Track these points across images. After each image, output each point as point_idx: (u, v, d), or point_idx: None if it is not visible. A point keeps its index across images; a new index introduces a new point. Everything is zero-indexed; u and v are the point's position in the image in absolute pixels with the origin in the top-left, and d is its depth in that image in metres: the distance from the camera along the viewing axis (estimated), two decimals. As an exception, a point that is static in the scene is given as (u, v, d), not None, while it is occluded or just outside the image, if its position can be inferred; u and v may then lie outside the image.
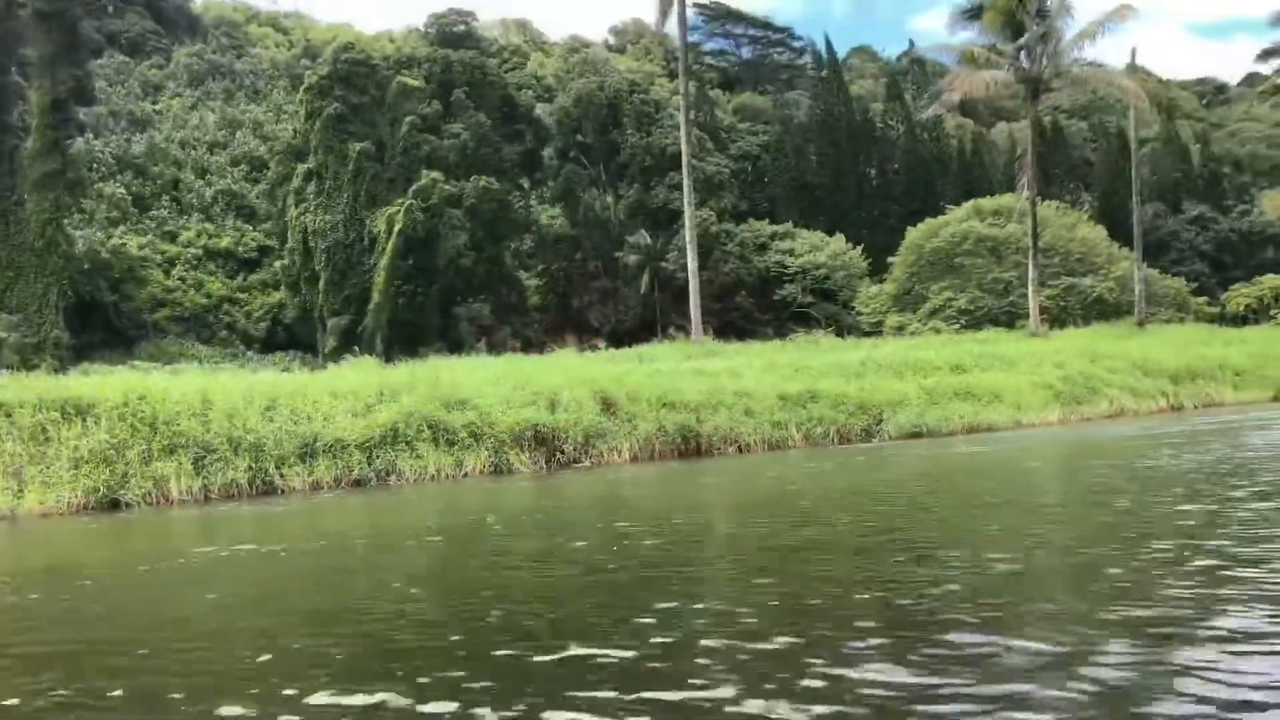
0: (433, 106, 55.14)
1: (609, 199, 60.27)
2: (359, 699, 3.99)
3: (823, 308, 55.66)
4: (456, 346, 44.35)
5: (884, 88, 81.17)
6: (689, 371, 22.63)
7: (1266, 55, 52.94)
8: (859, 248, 57.80)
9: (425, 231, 49.83)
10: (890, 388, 21.91)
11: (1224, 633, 4.29)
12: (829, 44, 78.53)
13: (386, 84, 55.45)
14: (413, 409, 15.91)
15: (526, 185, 63.10)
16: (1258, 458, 12.71)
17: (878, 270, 55.96)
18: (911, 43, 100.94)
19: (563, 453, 16.90)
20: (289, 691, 4.14)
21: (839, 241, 57.82)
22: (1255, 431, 16.69)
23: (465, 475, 15.64)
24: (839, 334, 43.68)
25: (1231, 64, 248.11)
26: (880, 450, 18.34)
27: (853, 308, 54.41)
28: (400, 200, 50.14)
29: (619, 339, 50.02)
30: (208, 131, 69.59)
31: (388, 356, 40.19)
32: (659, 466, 16.89)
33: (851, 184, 68.52)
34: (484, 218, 52.27)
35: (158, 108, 71.81)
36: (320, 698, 4.03)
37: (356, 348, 44.56)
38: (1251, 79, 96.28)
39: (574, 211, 59.88)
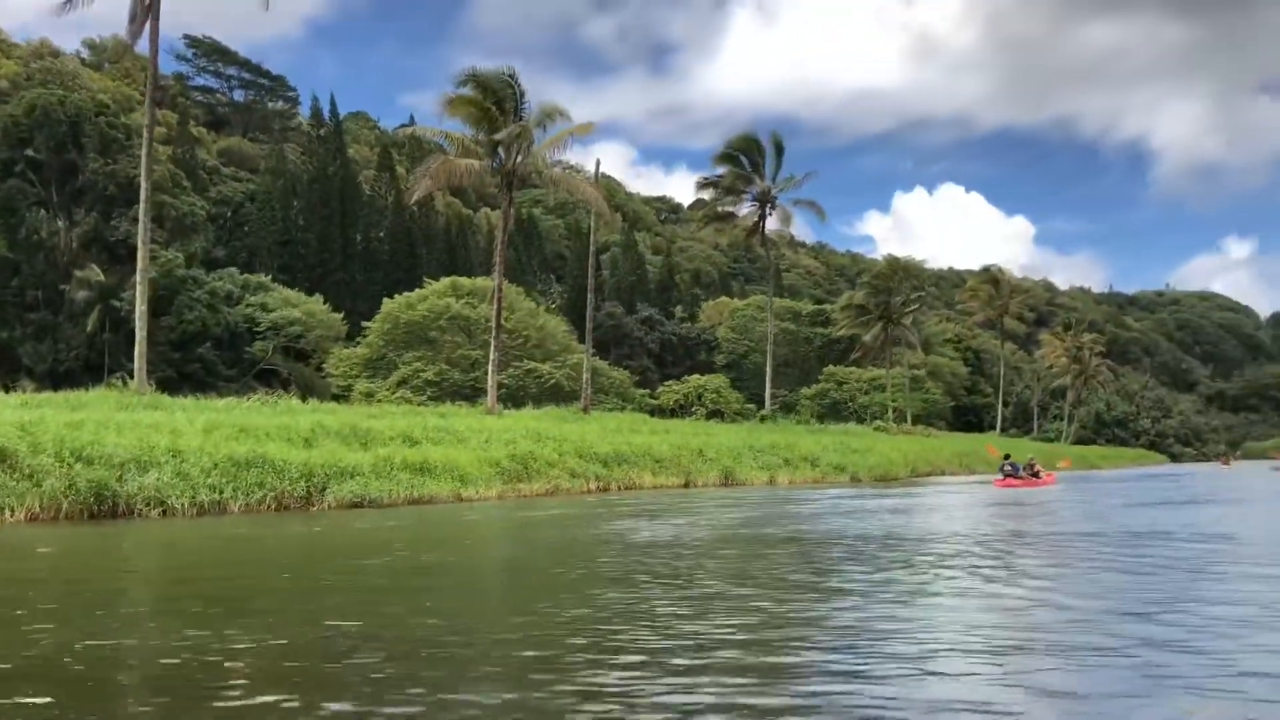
0: None
1: (59, 224, 54.04)
2: None
3: (293, 367, 54.15)
4: None
5: (378, 156, 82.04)
6: (123, 424, 20.71)
7: (702, 186, 61.15)
8: (339, 310, 57.25)
9: None
10: (340, 456, 21.70)
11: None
12: (333, 103, 77.96)
13: None
14: None
15: (-43, 196, 54.74)
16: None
17: (355, 334, 55.71)
18: (412, 118, 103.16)
19: (-67, 511, 14.57)
20: None
21: (317, 301, 56.84)
22: (596, 523, 17.85)
23: None
24: (305, 396, 42.60)
25: (684, 186, 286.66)
26: (307, 519, 18.01)
27: (324, 370, 53.52)
28: None
29: (56, 381, 44.62)
30: None
31: None
32: (58, 530, 15.14)
33: (338, 246, 67.96)
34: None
35: None
36: None
37: None
38: (699, 204, 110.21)
39: (14, 233, 52.80)
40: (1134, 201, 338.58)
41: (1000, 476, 33.25)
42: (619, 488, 28.36)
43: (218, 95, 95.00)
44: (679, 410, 56.43)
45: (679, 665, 5.69)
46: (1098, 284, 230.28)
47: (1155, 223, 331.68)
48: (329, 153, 71.41)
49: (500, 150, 36.28)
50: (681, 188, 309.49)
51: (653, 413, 52.63)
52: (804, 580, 10.00)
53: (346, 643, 6.39)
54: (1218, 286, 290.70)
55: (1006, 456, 35.44)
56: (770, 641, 6.55)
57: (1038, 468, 35.18)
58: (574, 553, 12.93)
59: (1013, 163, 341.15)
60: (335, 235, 67.90)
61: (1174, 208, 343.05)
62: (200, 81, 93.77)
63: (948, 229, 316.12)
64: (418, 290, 54.19)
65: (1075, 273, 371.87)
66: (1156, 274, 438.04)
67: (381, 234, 72.64)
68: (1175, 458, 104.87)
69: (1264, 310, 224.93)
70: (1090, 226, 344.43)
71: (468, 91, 35.64)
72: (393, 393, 47.17)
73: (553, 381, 50.74)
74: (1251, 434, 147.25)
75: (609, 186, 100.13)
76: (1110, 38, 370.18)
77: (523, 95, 36.28)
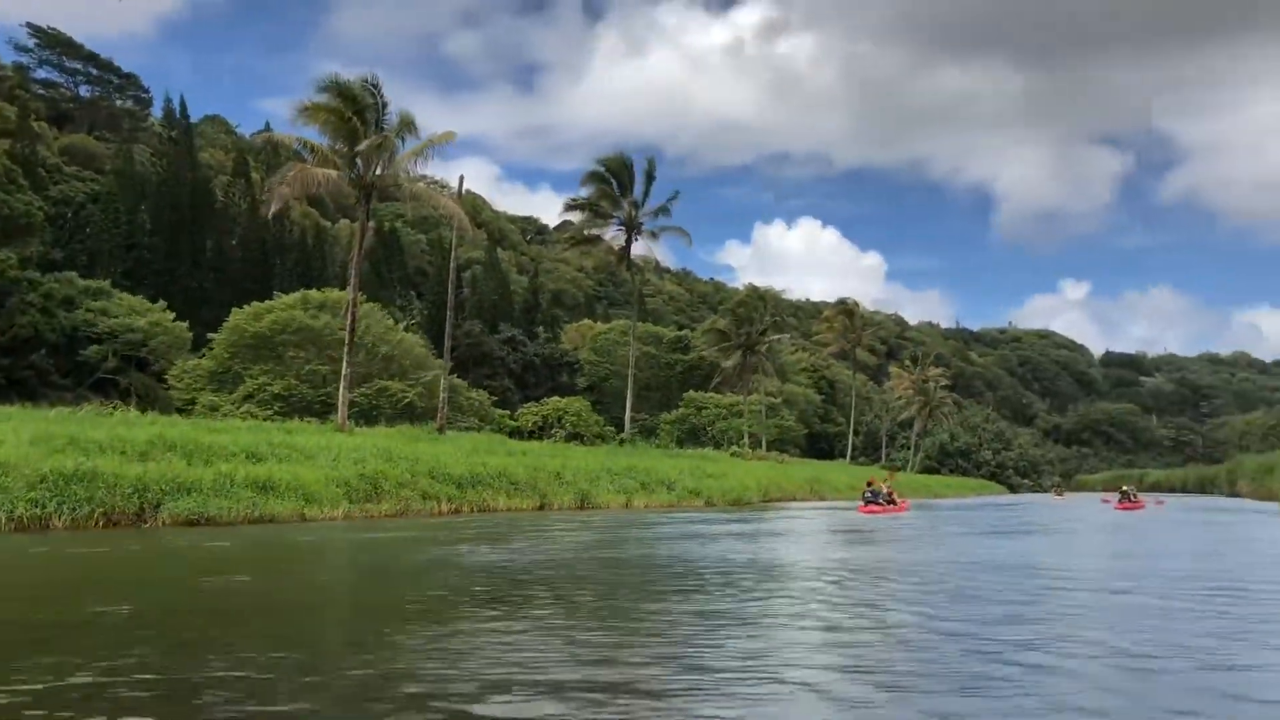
0: None
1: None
2: None
3: (134, 377, 51.61)
4: None
5: (233, 161, 79.42)
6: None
7: (569, 208, 61.28)
8: (186, 320, 54.89)
9: None
10: (178, 471, 20.79)
11: None
12: (183, 104, 75.09)
13: None
14: None
15: None
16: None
17: (202, 345, 53.52)
18: (269, 124, 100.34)
19: None
20: None
21: (162, 309, 54.37)
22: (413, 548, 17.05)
23: None
24: (145, 408, 40.66)
25: (549, 206, 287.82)
26: (136, 537, 17.19)
27: (167, 381, 51.21)
28: None
29: None
30: None
31: None
32: None
33: (187, 252, 65.32)
34: None
35: None
36: None
37: None
38: (565, 225, 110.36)
39: None
40: (979, 242, 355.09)
41: (863, 502, 34.98)
42: (472, 510, 27.98)
43: (62, 89, 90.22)
44: (538, 432, 56.07)
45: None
46: (945, 319, 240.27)
47: (998, 263, 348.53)
48: (180, 155, 68.65)
49: (359, 161, 35.52)
50: (546, 207, 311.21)
51: (512, 434, 52.14)
52: (628, 605, 9.98)
53: (118, 679, 6.03)
54: (1055, 325, 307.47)
55: (869, 483, 37.35)
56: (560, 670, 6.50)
57: (894, 495, 37.22)
58: (396, 577, 12.66)
59: (867, 200, 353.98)
60: (185, 241, 65.24)
61: (1016, 249, 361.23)
62: (43, 74, 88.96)
63: (805, 261, 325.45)
64: (270, 301, 52.45)
65: (924, 308, 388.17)
66: (999, 311, 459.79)
67: (234, 241, 70.16)
68: (1013, 488, 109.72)
69: (1097, 349, 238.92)
70: (938, 264, 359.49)
71: (327, 99, 34.75)
72: (238, 407, 45.45)
73: (407, 400, 49.77)
74: (1084, 467, 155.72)
75: (474, 203, 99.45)
76: (961, 84, 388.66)
77: (385, 106, 35.59)
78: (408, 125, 35.90)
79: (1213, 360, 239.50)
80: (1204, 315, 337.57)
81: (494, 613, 8.95)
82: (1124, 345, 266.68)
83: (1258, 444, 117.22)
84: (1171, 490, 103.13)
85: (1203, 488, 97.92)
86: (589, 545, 17.78)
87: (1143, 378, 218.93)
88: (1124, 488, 57.75)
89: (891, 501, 35.97)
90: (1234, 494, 76.19)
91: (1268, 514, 38.36)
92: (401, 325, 58.87)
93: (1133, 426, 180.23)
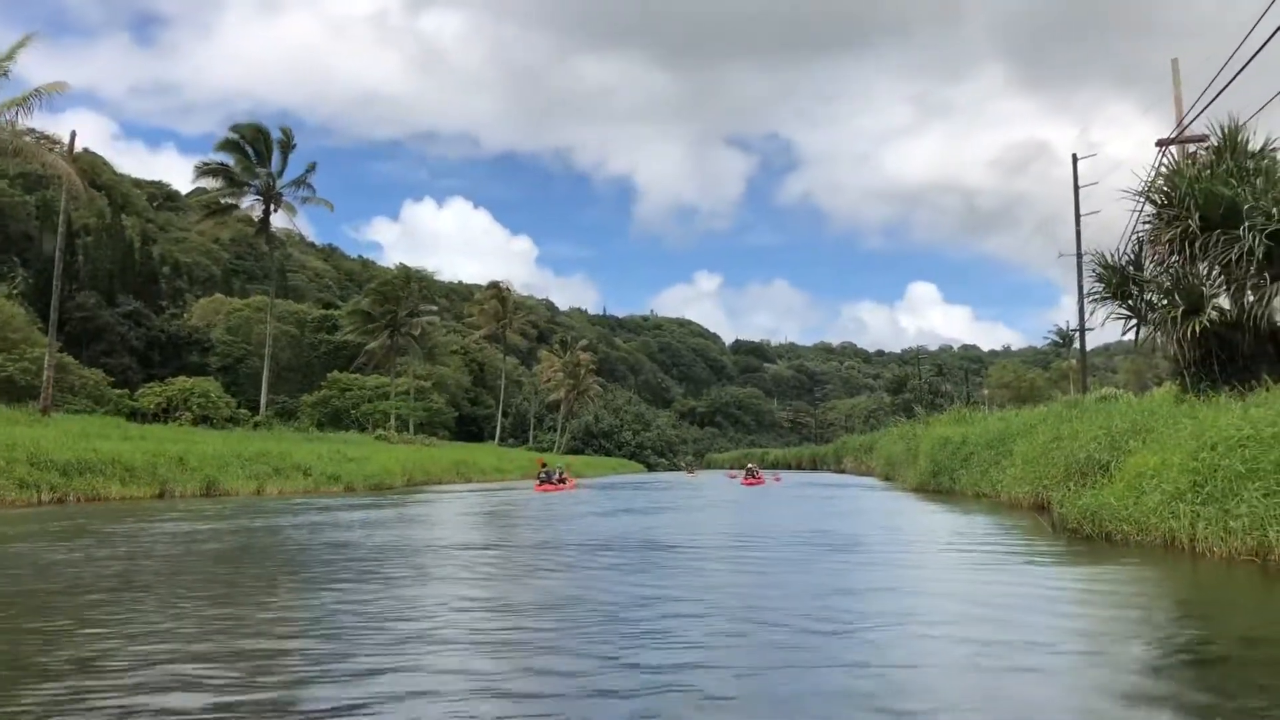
0: None
1: None
2: None
3: None
4: None
5: None
6: None
7: (201, 173, 57.40)
8: None
9: None
10: None
11: None
12: None
13: None
14: None
15: None
16: None
17: None
18: None
19: None
20: None
21: None
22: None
23: None
24: None
25: (176, 169, 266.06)
26: None
27: None
28: None
29: None
30: None
31: None
32: None
33: None
34: None
35: None
36: None
37: None
38: (198, 192, 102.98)
39: None
40: (622, 232, 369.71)
41: (538, 482, 38.50)
42: (80, 499, 25.62)
43: None
44: (163, 415, 52.00)
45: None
46: (592, 306, 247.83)
47: (640, 253, 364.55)
48: None
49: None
50: (173, 171, 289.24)
51: (131, 416, 48.03)
52: (212, 609, 9.42)
53: None
54: (691, 314, 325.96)
55: (544, 465, 41.89)
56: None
57: (565, 475, 41.65)
58: None
59: (517, 184, 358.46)
60: None
61: (655, 241, 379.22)
62: None
63: (456, 242, 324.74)
64: None
65: (572, 294, 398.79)
66: (641, 299, 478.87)
67: None
68: (651, 467, 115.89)
69: (728, 337, 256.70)
70: (585, 252, 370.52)
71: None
72: None
73: (6, 374, 44.59)
74: (714, 446, 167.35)
75: (93, 163, 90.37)
76: (603, 77, 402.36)
77: (-25, 48, 31.43)
78: (6, 61, 31.84)
79: (825, 349, 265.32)
80: (817, 308, 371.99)
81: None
82: (750, 334, 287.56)
83: (860, 425, 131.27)
84: (789, 467, 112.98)
85: (815, 464, 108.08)
86: (188, 537, 16.57)
87: (766, 364, 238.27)
88: (748, 465, 62.96)
89: (563, 481, 39.80)
90: (840, 470, 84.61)
91: (866, 488, 42.94)
92: (1, 294, 52.56)
93: (757, 409, 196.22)
